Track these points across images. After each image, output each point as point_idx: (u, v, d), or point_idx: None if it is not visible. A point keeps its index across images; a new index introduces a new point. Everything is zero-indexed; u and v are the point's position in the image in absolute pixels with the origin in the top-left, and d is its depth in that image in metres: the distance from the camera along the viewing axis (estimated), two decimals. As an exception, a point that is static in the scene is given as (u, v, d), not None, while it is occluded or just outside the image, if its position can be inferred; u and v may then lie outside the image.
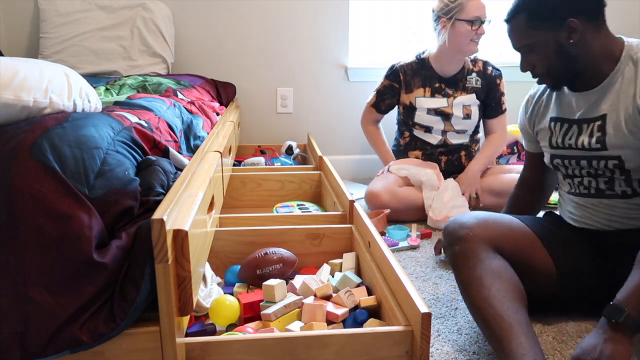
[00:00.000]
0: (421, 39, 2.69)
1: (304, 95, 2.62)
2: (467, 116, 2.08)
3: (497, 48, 2.74)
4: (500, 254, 1.13)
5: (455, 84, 2.09)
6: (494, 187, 1.99)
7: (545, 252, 1.19)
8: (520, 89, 2.69)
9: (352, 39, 2.60)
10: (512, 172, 2.08)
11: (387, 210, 1.84)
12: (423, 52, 2.13)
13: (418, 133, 2.12)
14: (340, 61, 2.59)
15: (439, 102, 2.07)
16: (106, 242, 0.82)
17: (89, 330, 0.77)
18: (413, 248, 1.73)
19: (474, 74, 2.10)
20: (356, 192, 2.35)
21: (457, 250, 1.14)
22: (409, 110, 2.11)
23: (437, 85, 2.08)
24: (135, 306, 0.79)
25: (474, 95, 2.09)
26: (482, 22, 1.97)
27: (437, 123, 2.08)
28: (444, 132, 2.09)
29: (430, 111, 2.07)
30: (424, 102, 2.07)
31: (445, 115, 2.07)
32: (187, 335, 1.00)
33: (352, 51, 2.62)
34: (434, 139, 2.10)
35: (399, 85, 2.11)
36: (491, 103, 2.11)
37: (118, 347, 0.83)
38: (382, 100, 2.15)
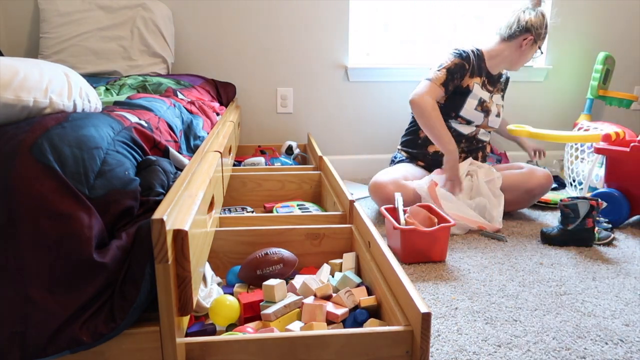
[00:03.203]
0: (419, 39, 2.69)
1: (304, 95, 2.62)
2: (498, 115, 2.15)
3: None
4: None
5: (495, 82, 2.15)
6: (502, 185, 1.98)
7: None
8: (523, 88, 2.70)
9: (352, 39, 2.60)
10: (513, 168, 2.09)
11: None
12: (473, 46, 2.12)
13: (455, 124, 2.08)
14: (340, 61, 2.59)
15: (486, 95, 2.10)
16: (106, 242, 0.82)
17: (89, 330, 0.77)
18: None
19: (503, 76, 2.21)
20: (356, 192, 2.35)
21: None
22: (460, 96, 2.05)
23: (484, 79, 2.12)
24: (135, 306, 0.79)
25: (501, 96, 2.20)
26: None
27: (478, 119, 2.08)
28: (477, 127, 2.11)
29: (478, 107, 2.06)
30: (480, 90, 2.08)
31: (487, 112, 2.09)
32: (187, 335, 1.00)
33: (352, 51, 2.62)
34: (468, 130, 2.09)
35: (468, 67, 2.04)
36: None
37: (118, 347, 0.82)
38: (452, 79, 2.02)
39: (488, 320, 1.27)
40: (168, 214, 0.77)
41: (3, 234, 0.75)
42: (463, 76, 2.04)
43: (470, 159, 2.08)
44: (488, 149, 2.21)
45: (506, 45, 2.06)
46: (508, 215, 2.05)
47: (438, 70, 2.02)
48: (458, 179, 1.96)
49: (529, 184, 2.00)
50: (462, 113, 2.06)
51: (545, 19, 2.02)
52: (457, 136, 2.08)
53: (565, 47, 2.69)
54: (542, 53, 2.13)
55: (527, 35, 2.01)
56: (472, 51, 2.08)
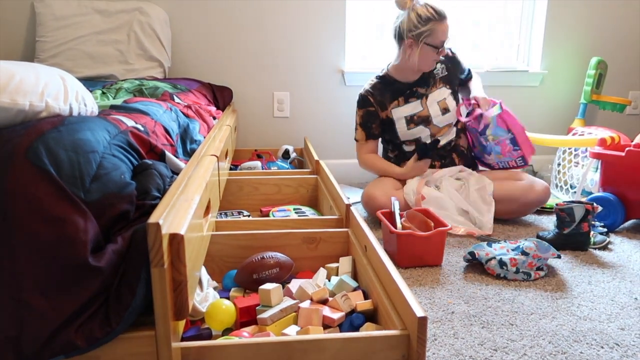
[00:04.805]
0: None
1: (301, 99, 2.62)
2: (445, 110, 2.07)
3: (492, 53, 2.75)
4: None
5: (425, 82, 2.08)
6: (496, 195, 1.97)
7: None
8: (519, 92, 2.71)
9: (349, 43, 2.61)
10: (512, 178, 2.05)
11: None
12: (381, 70, 2.13)
13: (407, 148, 2.11)
14: (337, 65, 2.59)
15: (415, 107, 2.05)
16: (102, 246, 0.81)
17: (84, 334, 0.77)
18: None
19: (437, 65, 2.10)
20: (353, 196, 2.36)
21: None
22: (389, 126, 2.08)
23: (408, 92, 2.06)
24: (131, 310, 0.79)
25: (446, 87, 2.09)
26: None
27: (422, 132, 2.06)
28: (432, 136, 2.08)
29: (410, 125, 2.04)
30: (401, 111, 2.05)
31: (426, 121, 2.05)
32: (182, 339, 0.99)
33: (349, 55, 2.63)
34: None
35: (374, 108, 2.06)
36: (461, 73, 2.18)
37: (113, 352, 0.82)
38: (371, 127, 2.09)
39: (484, 324, 1.27)
40: (164, 218, 0.77)
41: (-2, 238, 0.74)
42: (377, 117, 2.08)
43: (460, 166, 2.08)
44: (463, 142, 2.15)
45: (402, 53, 2.02)
46: (504, 219, 2.05)
47: (356, 129, 2.13)
48: (421, 171, 2.03)
49: (527, 197, 1.97)
50: (402, 137, 2.08)
51: (420, 15, 1.90)
52: (420, 151, 2.07)
53: (560, 52, 2.71)
54: (446, 48, 1.98)
55: (405, 41, 1.96)
56: (373, 85, 2.09)
